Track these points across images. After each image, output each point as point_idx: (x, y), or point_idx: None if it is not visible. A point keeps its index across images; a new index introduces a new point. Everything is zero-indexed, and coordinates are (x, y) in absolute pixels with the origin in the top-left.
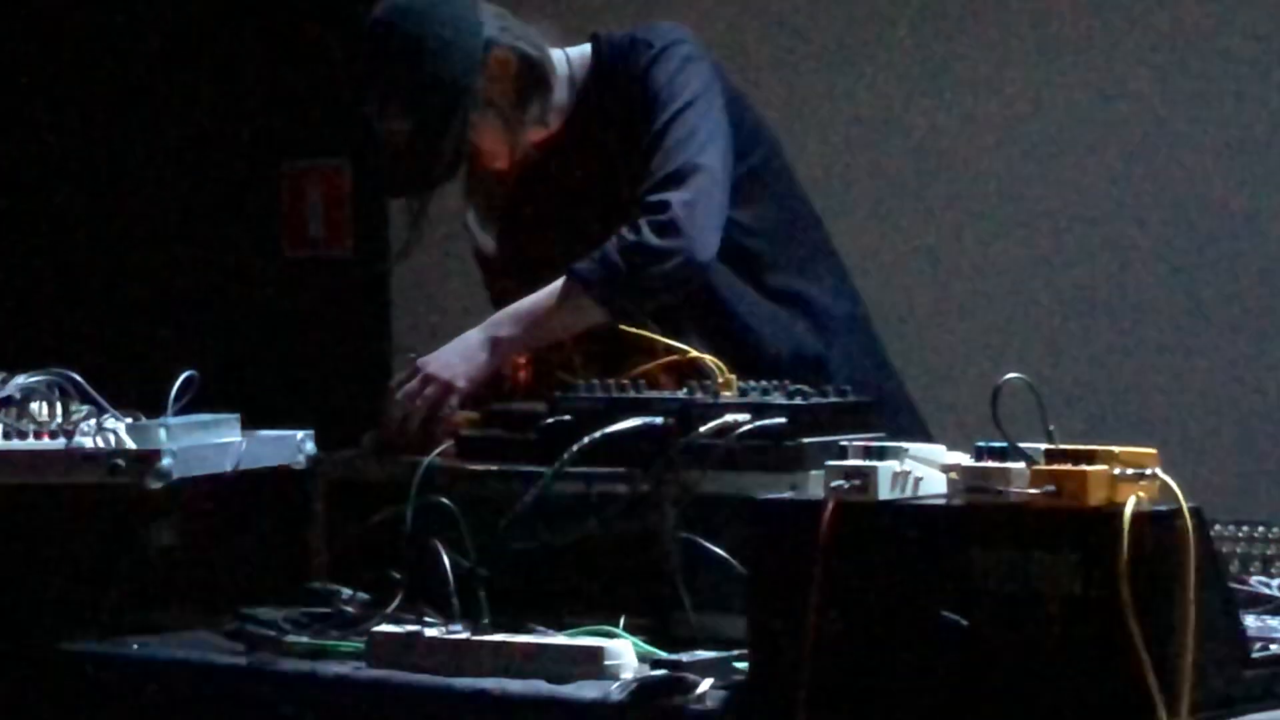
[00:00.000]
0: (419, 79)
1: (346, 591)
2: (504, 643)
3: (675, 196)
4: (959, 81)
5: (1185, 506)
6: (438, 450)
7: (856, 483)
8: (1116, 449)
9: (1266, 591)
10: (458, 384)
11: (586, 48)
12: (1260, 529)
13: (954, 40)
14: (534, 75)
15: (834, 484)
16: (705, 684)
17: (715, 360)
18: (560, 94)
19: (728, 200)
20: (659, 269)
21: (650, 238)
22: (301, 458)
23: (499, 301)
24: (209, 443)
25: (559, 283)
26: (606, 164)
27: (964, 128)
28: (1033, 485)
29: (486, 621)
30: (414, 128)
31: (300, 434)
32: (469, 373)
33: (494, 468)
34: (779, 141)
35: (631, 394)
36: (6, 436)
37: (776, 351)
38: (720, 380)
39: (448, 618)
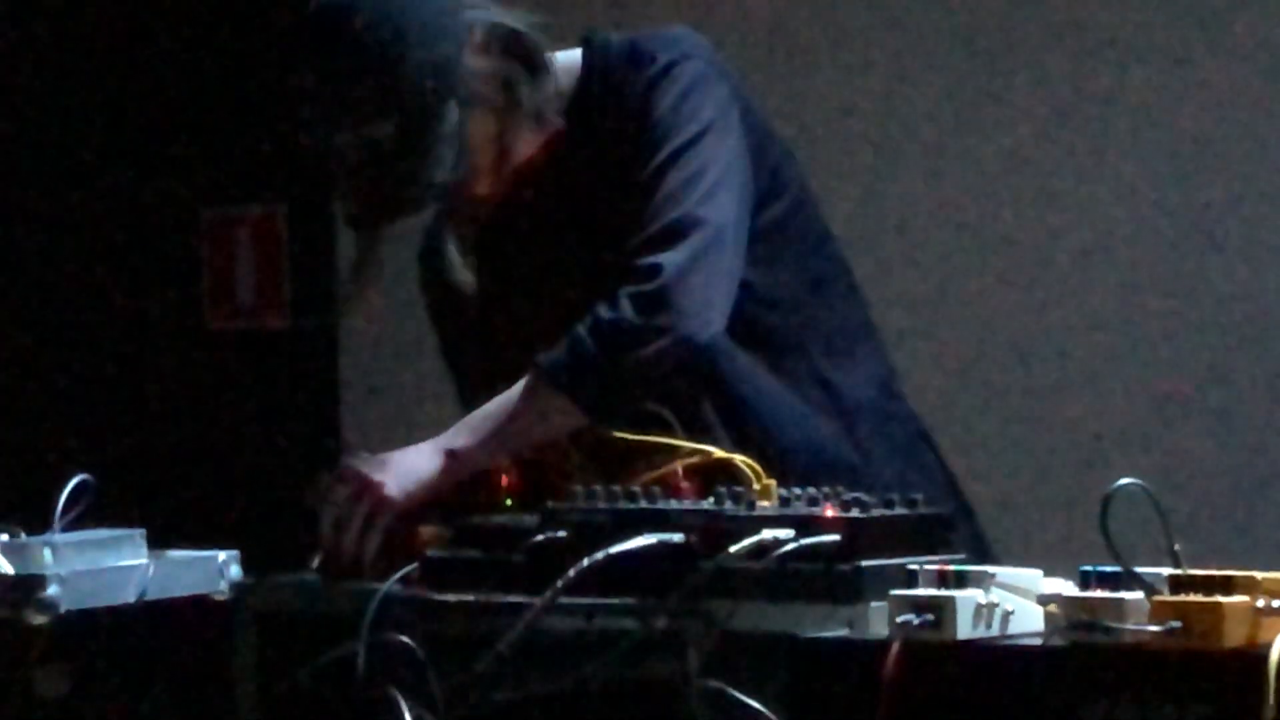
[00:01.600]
0: (398, 68)
1: None
2: None
3: (667, 259)
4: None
5: None
6: (398, 575)
7: (930, 618)
8: (1259, 575)
9: None
10: (390, 494)
11: (576, 54)
12: None
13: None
14: (525, 59)
15: (901, 619)
16: None
17: (749, 461)
18: (547, 95)
19: (740, 263)
20: (642, 354)
21: (629, 313)
22: (224, 585)
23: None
24: (107, 566)
25: (525, 379)
26: (593, 208)
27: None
28: (1154, 621)
29: None
30: (395, 133)
31: (222, 555)
32: (407, 486)
33: (468, 598)
34: (808, 183)
35: (644, 504)
36: None
37: (798, 459)
38: (756, 487)
39: None
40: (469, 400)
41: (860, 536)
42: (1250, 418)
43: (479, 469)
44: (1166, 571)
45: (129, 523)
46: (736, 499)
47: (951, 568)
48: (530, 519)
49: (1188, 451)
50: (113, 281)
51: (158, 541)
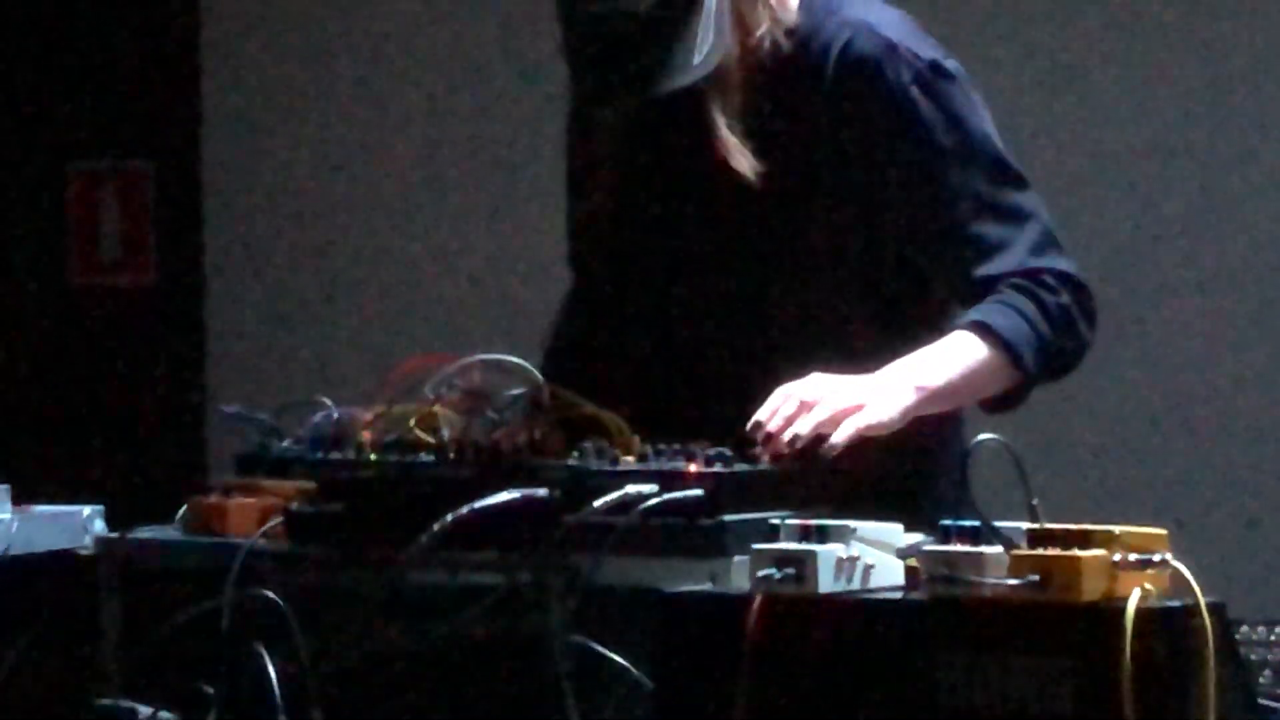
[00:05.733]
0: None
1: (145, 710)
2: None
3: (1074, 268)
4: None
5: (1203, 601)
6: (262, 530)
7: (791, 572)
8: (1117, 529)
9: None
10: (872, 410)
11: None
12: None
13: None
14: None
15: (763, 573)
16: None
17: (615, 416)
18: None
19: None
20: (1073, 359)
21: (1082, 322)
22: (88, 540)
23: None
24: None
25: (965, 336)
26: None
27: None
28: (1013, 574)
29: None
30: (656, 7)
31: (87, 510)
32: (891, 410)
33: (333, 552)
34: None
35: (509, 459)
36: None
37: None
38: (619, 441)
39: None
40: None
41: (723, 491)
42: (1109, 373)
43: (931, 412)
44: (1025, 526)
45: None
46: (600, 454)
47: (813, 522)
48: (394, 473)
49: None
50: None
51: (22, 497)
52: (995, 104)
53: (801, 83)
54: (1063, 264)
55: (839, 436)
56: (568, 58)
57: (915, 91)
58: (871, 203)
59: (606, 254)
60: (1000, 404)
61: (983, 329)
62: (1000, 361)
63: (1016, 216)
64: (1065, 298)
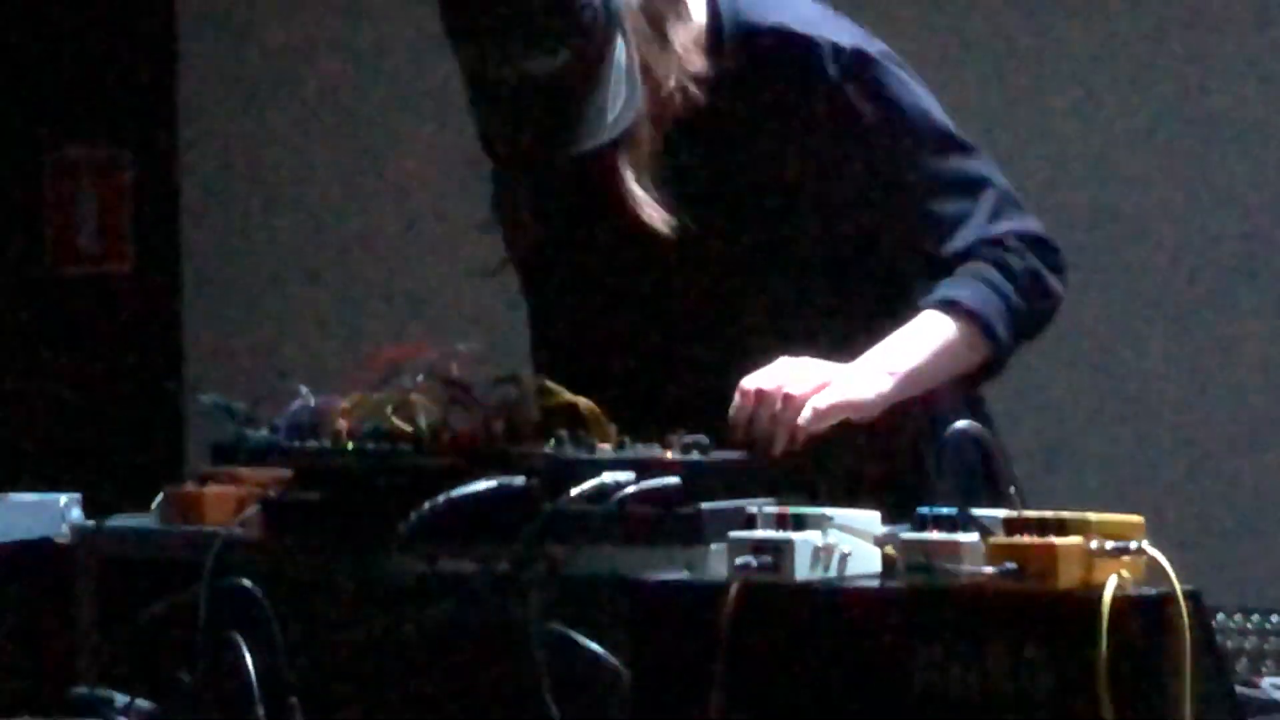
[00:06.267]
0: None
1: (122, 699)
2: None
3: (1038, 227)
4: None
5: (1179, 589)
6: (239, 519)
7: (768, 560)
8: (1093, 517)
9: None
10: (854, 397)
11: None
12: (1274, 620)
13: None
14: None
15: (740, 561)
16: None
17: (591, 405)
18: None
19: None
20: (1048, 313)
21: (1049, 277)
22: (65, 528)
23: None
24: None
25: (931, 315)
26: (731, 159)
27: None
28: (989, 562)
29: None
30: (565, 66)
31: (64, 498)
32: (866, 394)
33: (310, 541)
34: None
35: (486, 447)
36: None
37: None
38: (596, 430)
39: None
40: (545, 340)
41: (700, 479)
42: (1083, 361)
43: (906, 398)
44: (1002, 514)
45: None
46: (577, 443)
47: (790, 510)
48: (371, 462)
49: (1023, 395)
50: None
51: None
52: (962, 91)
53: (727, 102)
54: (1023, 224)
55: (803, 417)
56: (479, 123)
57: (844, 86)
58: (822, 206)
59: (553, 293)
60: (981, 375)
61: (949, 305)
62: (971, 334)
63: (969, 187)
64: (1030, 258)
